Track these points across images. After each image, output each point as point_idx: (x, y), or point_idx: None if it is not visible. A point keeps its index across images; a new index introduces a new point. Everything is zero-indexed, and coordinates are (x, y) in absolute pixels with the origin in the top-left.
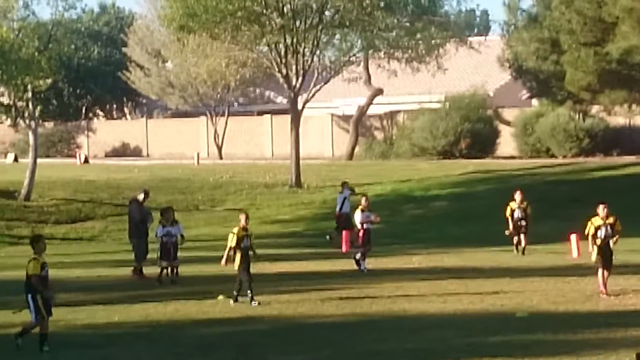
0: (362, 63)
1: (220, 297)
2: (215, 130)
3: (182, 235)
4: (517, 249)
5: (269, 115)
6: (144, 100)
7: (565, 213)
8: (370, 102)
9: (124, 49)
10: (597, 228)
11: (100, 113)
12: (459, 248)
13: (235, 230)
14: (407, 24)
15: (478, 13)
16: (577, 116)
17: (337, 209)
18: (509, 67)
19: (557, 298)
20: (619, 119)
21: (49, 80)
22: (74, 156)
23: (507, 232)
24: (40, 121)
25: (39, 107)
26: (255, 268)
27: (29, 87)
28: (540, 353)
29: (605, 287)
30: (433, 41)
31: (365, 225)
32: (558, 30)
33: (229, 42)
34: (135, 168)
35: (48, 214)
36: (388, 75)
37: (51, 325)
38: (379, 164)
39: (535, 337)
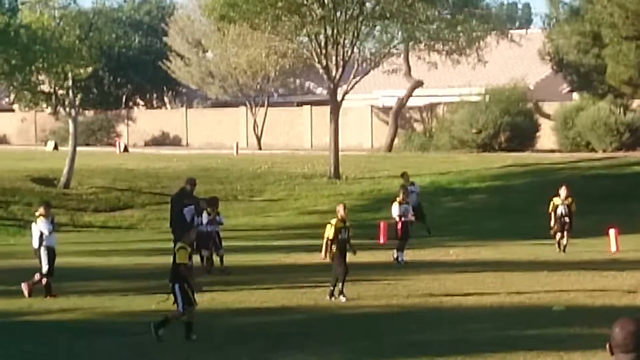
0: (402, 55)
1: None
2: (255, 121)
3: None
4: (559, 245)
5: (308, 106)
6: (184, 90)
7: (604, 207)
8: (410, 94)
9: (164, 39)
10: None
11: (140, 102)
12: (496, 241)
13: (334, 221)
14: (448, 16)
15: (520, 6)
16: (617, 110)
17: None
18: (550, 61)
19: (594, 292)
20: None
21: (90, 69)
22: (113, 145)
23: (551, 231)
24: (81, 109)
25: (79, 96)
26: (293, 259)
27: (70, 75)
28: (576, 347)
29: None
30: (474, 34)
31: (403, 218)
32: (600, 23)
33: (269, 32)
34: (175, 157)
35: (87, 202)
36: (428, 67)
37: (88, 313)
38: (418, 156)
39: (572, 330)
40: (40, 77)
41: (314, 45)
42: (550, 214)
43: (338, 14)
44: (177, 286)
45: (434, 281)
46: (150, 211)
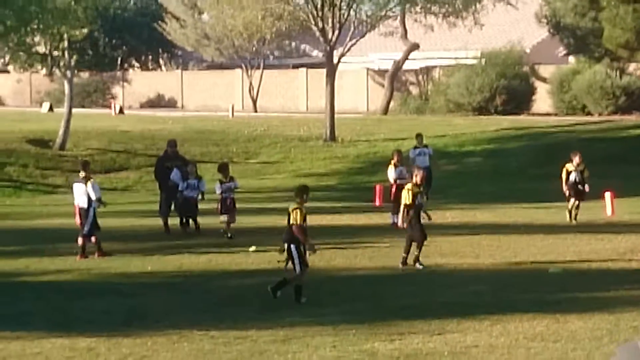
0: (398, 17)
1: (253, 248)
2: (250, 83)
3: (202, 193)
4: (570, 214)
5: (304, 69)
6: (179, 52)
7: (600, 171)
8: (406, 57)
9: (160, 0)
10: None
11: (136, 64)
12: (492, 204)
13: (409, 186)
14: None
15: None
16: (614, 74)
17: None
18: (547, 24)
19: (590, 255)
20: None
21: (85, 30)
22: (108, 106)
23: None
24: (76, 71)
25: (74, 57)
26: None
27: (65, 36)
28: (573, 310)
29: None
30: None
31: (398, 181)
32: None
33: None
34: (170, 119)
35: None
36: (424, 30)
37: (84, 274)
38: (413, 119)
39: (568, 293)
40: (35, 39)
41: (310, 7)
42: (562, 180)
43: None
44: (293, 247)
45: (430, 244)
46: (146, 173)
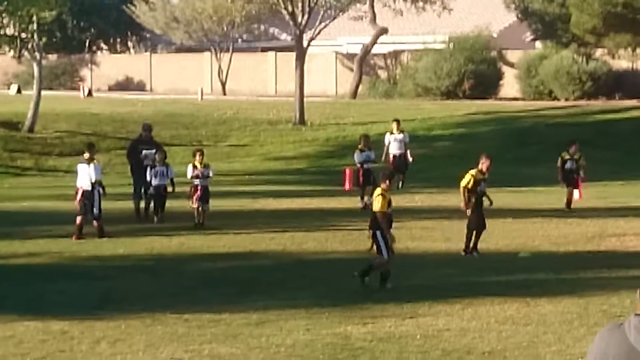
0: (367, 2)
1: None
2: (220, 66)
3: (172, 180)
4: (568, 203)
5: (273, 52)
6: (148, 35)
7: None
8: (374, 41)
9: None
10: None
11: (104, 47)
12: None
13: (473, 171)
14: None
15: None
16: (580, 59)
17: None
18: (515, 9)
19: (559, 239)
20: (622, 63)
21: (54, 12)
22: (77, 89)
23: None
24: (44, 53)
25: (43, 39)
26: (259, 204)
27: (34, 18)
28: (542, 293)
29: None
30: None
31: (365, 165)
32: None
33: None
34: (139, 102)
35: (52, 146)
36: (393, 14)
37: (56, 257)
38: (382, 103)
39: (538, 277)
40: (4, 20)
41: None
42: (558, 168)
43: None
44: (378, 233)
45: (401, 227)
46: (116, 155)
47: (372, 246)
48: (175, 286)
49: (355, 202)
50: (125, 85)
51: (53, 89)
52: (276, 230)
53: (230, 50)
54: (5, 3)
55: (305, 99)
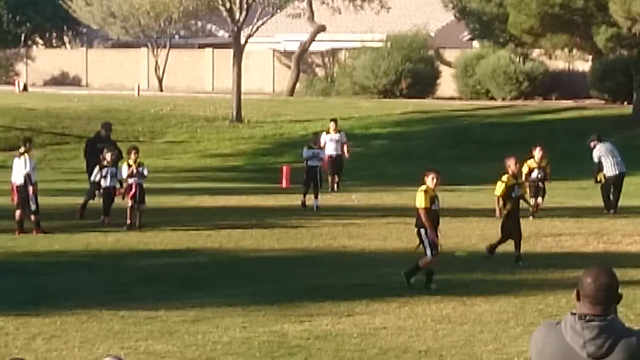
0: None
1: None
2: (156, 62)
3: (121, 182)
4: (533, 214)
5: (210, 49)
6: (85, 30)
7: (502, 155)
8: (312, 39)
9: None
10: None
11: (40, 41)
12: (398, 187)
13: (505, 178)
14: None
15: None
16: (517, 59)
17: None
18: (453, 8)
19: (495, 238)
20: (558, 63)
21: None
22: (12, 83)
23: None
24: None
25: None
26: (196, 201)
27: None
28: (479, 292)
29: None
30: None
31: (309, 162)
32: None
33: None
34: (75, 97)
35: None
36: (331, 12)
37: None
38: (319, 101)
39: (474, 276)
40: None
41: None
42: (523, 177)
43: None
44: (422, 231)
45: (337, 225)
46: (51, 151)
47: (419, 245)
48: (111, 283)
49: (292, 200)
50: (61, 80)
51: None
52: (213, 227)
53: (168, 47)
54: None
55: (242, 96)
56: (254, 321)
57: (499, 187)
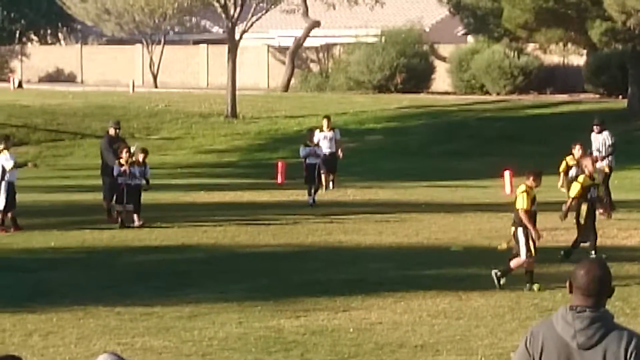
0: None
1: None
2: (151, 59)
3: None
4: (565, 214)
5: (204, 45)
6: (79, 26)
7: (498, 149)
8: (307, 34)
9: None
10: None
11: (35, 38)
12: (393, 182)
13: (581, 179)
14: None
15: None
16: (512, 54)
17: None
18: (447, 3)
19: (490, 233)
20: (553, 58)
21: None
22: (7, 80)
23: (560, 186)
24: None
25: None
26: (191, 197)
27: None
28: (475, 286)
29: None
30: None
31: (307, 160)
32: None
33: None
34: (70, 94)
35: None
36: (326, 7)
37: None
38: (314, 97)
39: (469, 270)
40: None
41: None
42: (561, 173)
43: None
44: (520, 231)
45: (333, 221)
46: (46, 148)
47: (508, 244)
48: (107, 279)
49: (287, 196)
50: (56, 77)
51: None
52: (208, 223)
53: (162, 43)
54: None
55: (237, 92)
56: (250, 317)
57: (575, 188)
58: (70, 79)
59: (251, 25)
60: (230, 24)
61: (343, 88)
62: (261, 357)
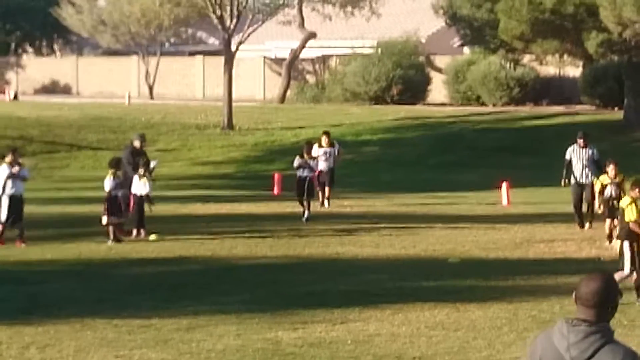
0: (296, 6)
1: (153, 237)
2: (147, 70)
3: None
4: (609, 237)
5: (200, 56)
6: (75, 38)
7: (494, 161)
8: (303, 46)
9: None
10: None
11: (30, 49)
12: (390, 193)
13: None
14: None
15: None
16: (508, 65)
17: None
18: (443, 14)
19: (488, 245)
20: (549, 69)
21: None
22: (2, 92)
23: (597, 208)
24: None
25: None
26: (188, 209)
27: None
28: (472, 298)
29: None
30: None
31: (298, 173)
32: None
33: None
34: (66, 106)
35: None
36: (322, 19)
37: None
38: (310, 108)
39: (467, 282)
40: None
41: None
42: (597, 195)
43: None
44: (626, 244)
45: (330, 232)
46: (42, 160)
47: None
48: (104, 291)
49: (283, 207)
50: (52, 88)
51: None
52: (205, 235)
53: (158, 54)
54: None
55: (233, 104)
56: (247, 329)
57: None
58: (66, 90)
59: (247, 36)
60: (226, 36)
61: (339, 99)
62: None
